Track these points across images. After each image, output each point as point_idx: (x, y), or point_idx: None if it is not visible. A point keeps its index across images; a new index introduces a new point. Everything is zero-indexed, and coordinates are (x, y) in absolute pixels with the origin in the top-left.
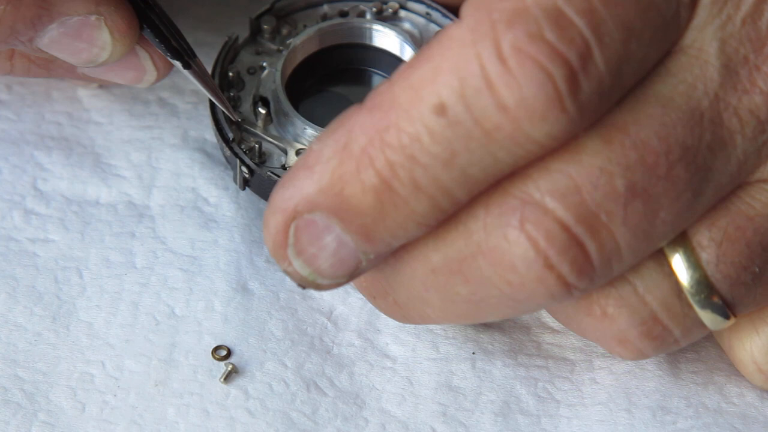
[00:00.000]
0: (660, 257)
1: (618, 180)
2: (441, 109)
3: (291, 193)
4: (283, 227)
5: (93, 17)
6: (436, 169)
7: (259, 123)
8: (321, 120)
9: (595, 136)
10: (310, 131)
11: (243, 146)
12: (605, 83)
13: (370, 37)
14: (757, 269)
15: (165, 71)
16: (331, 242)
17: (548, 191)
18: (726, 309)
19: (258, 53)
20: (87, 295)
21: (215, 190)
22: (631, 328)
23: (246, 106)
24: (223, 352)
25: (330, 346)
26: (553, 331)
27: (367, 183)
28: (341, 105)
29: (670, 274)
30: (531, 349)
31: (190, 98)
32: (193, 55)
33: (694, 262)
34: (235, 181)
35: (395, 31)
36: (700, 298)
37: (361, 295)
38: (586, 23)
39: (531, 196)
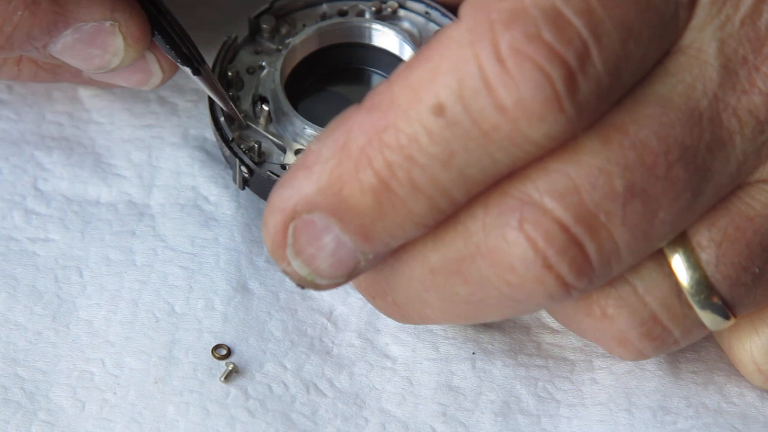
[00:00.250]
0: (660, 258)
1: (617, 180)
2: (439, 110)
3: (290, 193)
4: (282, 227)
5: (108, 23)
6: (434, 170)
7: (261, 121)
8: (320, 119)
9: (593, 136)
10: (309, 131)
11: (243, 146)
12: (603, 84)
13: (370, 37)
14: (757, 270)
15: (170, 74)
16: (330, 242)
17: (547, 191)
18: (726, 309)
19: (257, 53)
20: (87, 293)
21: (215, 189)
22: (631, 328)
23: (246, 106)
24: (223, 351)
25: (330, 346)
26: (553, 331)
27: (366, 183)
28: (340, 104)
29: (670, 274)
30: (531, 349)
31: (191, 97)
32: (203, 61)
33: (693, 263)
34: (234, 180)
35: (394, 30)
36: (699, 298)
37: (360, 296)
38: (585, 24)
39: (530, 196)
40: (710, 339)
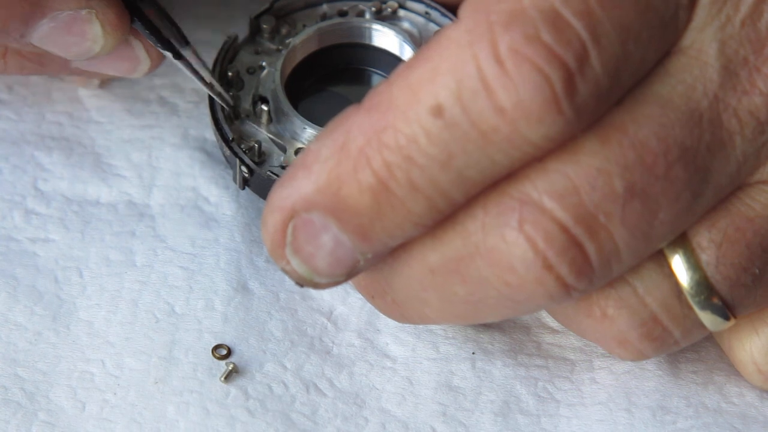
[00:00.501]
0: (660, 258)
1: (616, 180)
2: (438, 111)
3: (289, 192)
4: (281, 226)
5: (84, 11)
6: (433, 171)
7: (262, 121)
8: (320, 119)
9: (593, 137)
10: (309, 130)
11: (243, 146)
12: (602, 85)
13: (370, 37)
14: (757, 270)
15: (158, 61)
16: (329, 241)
17: (546, 192)
18: (726, 310)
19: (257, 53)
20: (87, 294)
21: (215, 189)
22: (631, 329)
23: (246, 106)
24: (223, 351)
25: (330, 346)
26: (552, 331)
27: (364, 183)
28: (340, 105)
29: (670, 275)
30: (531, 349)
31: (191, 97)
32: (186, 44)
33: (694, 264)
34: (234, 180)
35: (394, 30)
36: (700, 299)
37: (360, 295)
38: (584, 25)
39: (529, 196)
40: (710, 339)
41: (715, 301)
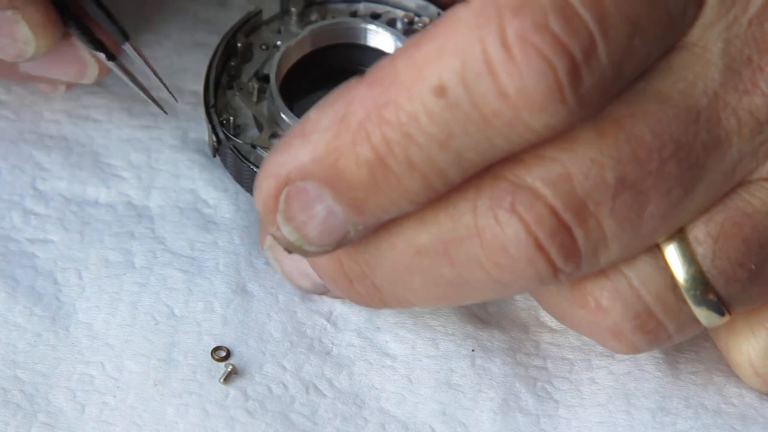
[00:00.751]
0: (655, 251)
1: (608, 172)
2: (441, 90)
3: (285, 159)
4: (274, 192)
5: (9, 12)
6: (431, 150)
7: (253, 97)
8: None
9: (590, 128)
10: (285, 118)
11: (223, 116)
12: (607, 77)
13: (365, 37)
14: (753, 266)
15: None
16: (321, 211)
17: (540, 177)
18: (721, 306)
19: (279, 32)
20: (86, 295)
21: (214, 192)
22: (625, 321)
23: (244, 79)
24: (223, 353)
25: (329, 347)
26: (551, 330)
27: (362, 157)
28: None
29: (666, 268)
30: (530, 348)
31: (189, 98)
32: (125, 39)
33: (689, 257)
34: (208, 147)
35: (389, 31)
36: (695, 293)
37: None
38: (592, 16)
39: (523, 181)
40: (709, 339)
41: (711, 296)
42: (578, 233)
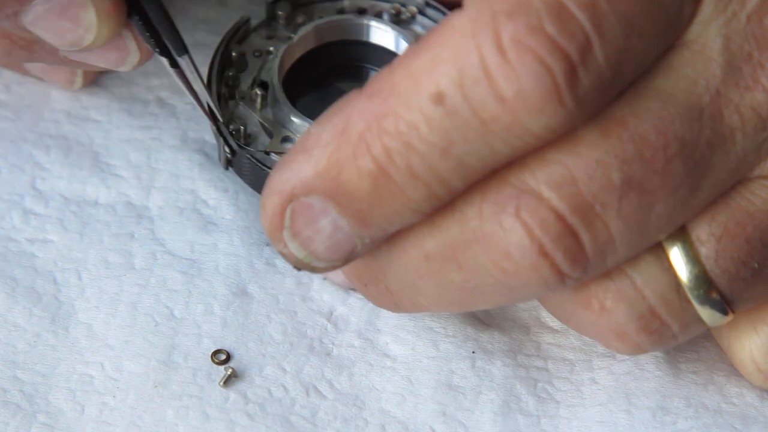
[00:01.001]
0: (659, 251)
1: (614, 172)
2: (439, 98)
3: (288, 175)
4: (279, 209)
5: None
6: (432, 158)
7: (257, 104)
8: (317, 115)
9: (593, 129)
10: (297, 120)
11: (231, 127)
12: (605, 78)
13: (367, 34)
14: (756, 265)
15: (149, 54)
16: (327, 226)
17: (544, 181)
18: (724, 305)
19: (269, 38)
20: (86, 296)
21: (214, 192)
22: (629, 321)
23: (244, 88)
24: (223, 356)
25: (330, 348)
26: (552, 331)
27: (364, 168)
28: None
29: (669, 268)
30: (530, 349)
31: (190, 99)
32: (184, 51)
33: (693, 257)
34: (219, 159)
35: (393, 28)
36: (698, 293)
37: (361, 296)
38: (588, 17)
39: (527, 184)
40: (710, 339)
41: (714, 295)
42: (585, 237)
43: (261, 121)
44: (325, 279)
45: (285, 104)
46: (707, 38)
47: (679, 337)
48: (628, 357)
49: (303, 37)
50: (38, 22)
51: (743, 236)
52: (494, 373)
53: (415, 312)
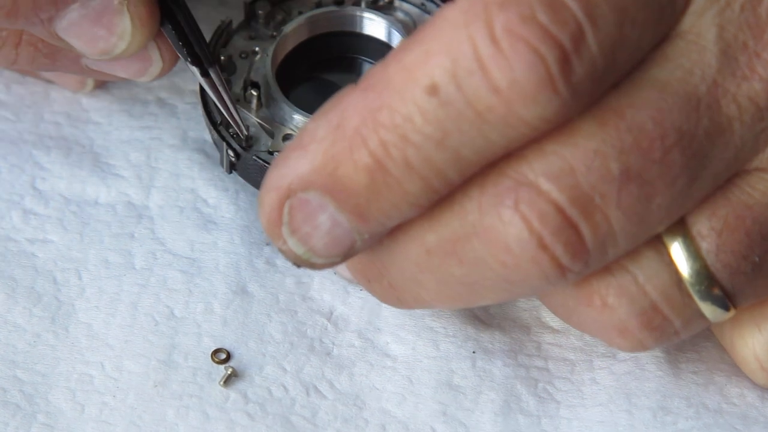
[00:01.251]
0: (660, 247)
1: (612, 163)
2: (433, 90)
3: (285, 172)
4: (277, 205)
5: (116, 1)
6: (428, 150)
7: (253, 105)
8: (311, 107)
9: (590, 119)
10: (297, 117)
11: (231, 130)
12: (598, 66)
13: (361, 25)
14: (756, 258)
15: (171, 65)
16: (325, 221)
17: (543, 173)
18: (726, 300)
19: (251, 38)
20: (86, 296)
21: (214, 191)
22: (631, 317)
23: (236, 91)
24: (223, 356)
25: (330, 347)
26: (553, 330)
27: (360, 163)
28: (331, 92)
29: (670, 264)
30: (531, 349)
31: (190, 99)
32: (213, 62)
33: (694, 252)
34: (221, 164)
35: (385, 18)
36: (700, 288)
37: (361, 295)
38: (580, 6)
39: (526, 177)
40: (711, 339)
41: (716, 291)
42: (585, 229)
43: (259, 121)
44: (335, 273)
45: (283, 101)
46: (701, 28)
47: (681, 333)
48: (628, 357)
49: (296, 28)
50: (72, 28)
51: (743, 229)
52: (495, 373)
53: (418, 308)
